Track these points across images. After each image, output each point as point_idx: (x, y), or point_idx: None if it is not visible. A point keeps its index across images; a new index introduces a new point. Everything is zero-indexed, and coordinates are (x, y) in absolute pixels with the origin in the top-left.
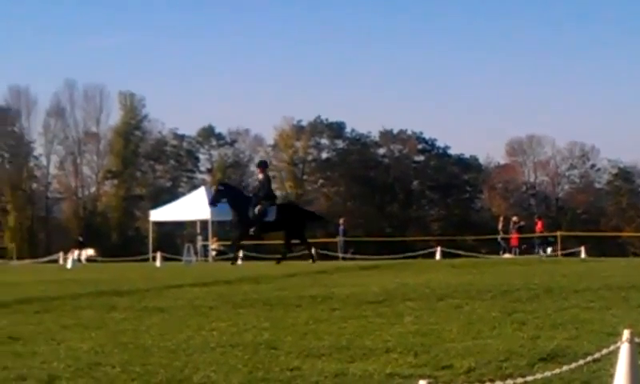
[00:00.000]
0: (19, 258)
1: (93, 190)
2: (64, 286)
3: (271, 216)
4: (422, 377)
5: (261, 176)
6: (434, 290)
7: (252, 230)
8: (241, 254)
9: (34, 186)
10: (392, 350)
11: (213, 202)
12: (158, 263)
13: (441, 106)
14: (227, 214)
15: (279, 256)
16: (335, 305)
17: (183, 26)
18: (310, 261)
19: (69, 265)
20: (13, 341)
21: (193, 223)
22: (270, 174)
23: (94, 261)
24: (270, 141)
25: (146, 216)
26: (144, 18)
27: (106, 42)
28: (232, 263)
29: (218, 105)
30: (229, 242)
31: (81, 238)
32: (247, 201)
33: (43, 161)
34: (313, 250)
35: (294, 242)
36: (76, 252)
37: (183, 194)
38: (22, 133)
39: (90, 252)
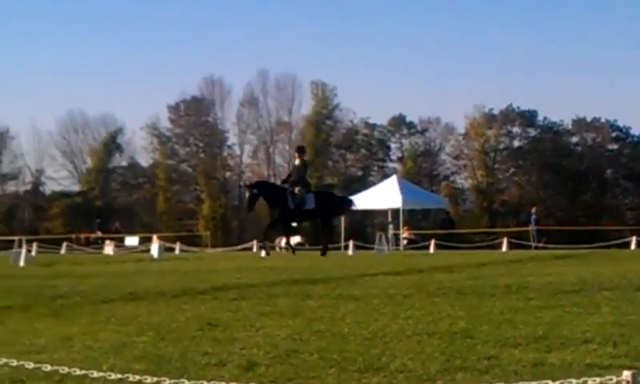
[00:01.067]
0: (213, 245)
1: None
2: (260, 273)
3: (310, 204)
4: (621, 367)
5: (298, 162)
6: (632, 280)
7: (294, 220)
8: (283, 243)
9: (228, 174)
10: (590, 341)
11: (250, 208)
12: (350, 252)
13: (636, 94)
14: (419, 202)
15: (322, 248)
16: (530, 294)
17: (372, 15)
18: (321, 253)
19: (262, 254)
20: (212, 327)
21: (384, 212)
22: (461, 162)
23: (301, 247)
24: (460, 129)
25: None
26: (335, 7)
27: (298, 32)
28: (266, 254)
29: (409, 94)
30: (420, 231)
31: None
32: (284, 192)
33: (236, 150)
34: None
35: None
36: (283, 239)
37: (374, 183)
38: (215, 122)
39: (298, 239)
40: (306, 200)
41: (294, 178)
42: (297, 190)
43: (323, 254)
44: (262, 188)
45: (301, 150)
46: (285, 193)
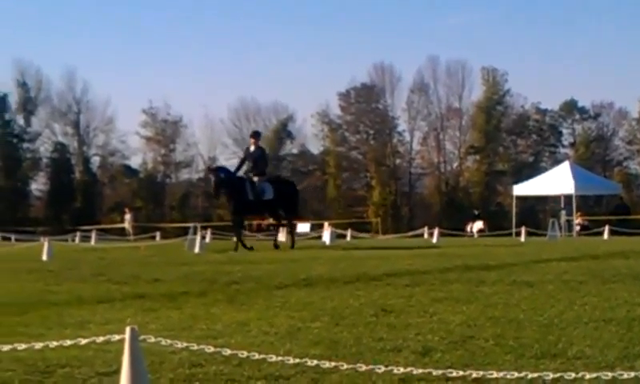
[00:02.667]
0: (384, 232)
1: (455, 165)
2: (431, 260)
3: (269, 194)
4: None
5: (253, 148)
6: None
7: (253, 212)
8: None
9: (398, 161)
10: None
11: (216, 194)
12: (522, 238)
13: None
14: (592, 188)
15: (275, 241)
16: None
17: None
18: (290, 245)
19: (434, 239)
20: (386, 313)
21: (556, 198)
22: (634, 147)
23: (484, 234)
24: (634, 114)
25: (508, 191)
26: None
27: (468, 18)
28: (235, 250)
29: (581, 78)
30: (593, 217)
31: (476, 212)
32: (242, 182)
33: (407, 136)
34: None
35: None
36: (469, 225)
37: (545, 169)
38: (386, 109)
39: (480, 225)
40: (265, 190)
41: (251, 165)
42: (256, 179)
43: (292, 246)
44: (225, 174)
45: (256, 135)
46: (244, 182)
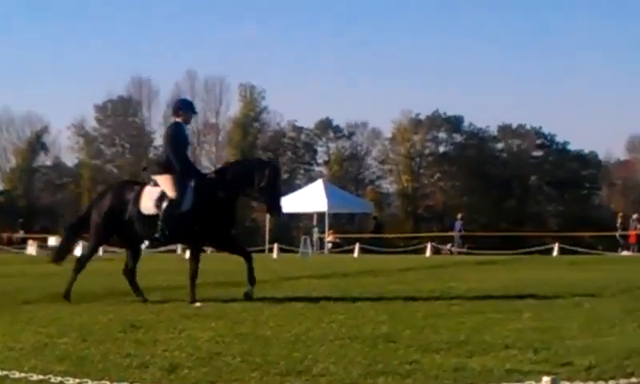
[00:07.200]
0: None
1: None
2: (184, 276)
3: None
4: (541, 373)
5: None
6: (553, 286)
7: None
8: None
9: None
10: (511, 346)
11: None
12: (274, 255)
13: (560, 101)
14: (344, 206)
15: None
16: (453, 299)
17: (300, 21)
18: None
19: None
20: (135, 329)
21: (309, 215)
22: (387, 167)
23: None
24: (387, 134)
25: (263, 207)
26: (267, 11)
27: (227, 35)
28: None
29: (337, 98)
30: (345, 235)
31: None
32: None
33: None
34: None
35: None
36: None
37: (300, 186)
38: (143, 123)
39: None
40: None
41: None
42: None
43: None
44: None
45: None
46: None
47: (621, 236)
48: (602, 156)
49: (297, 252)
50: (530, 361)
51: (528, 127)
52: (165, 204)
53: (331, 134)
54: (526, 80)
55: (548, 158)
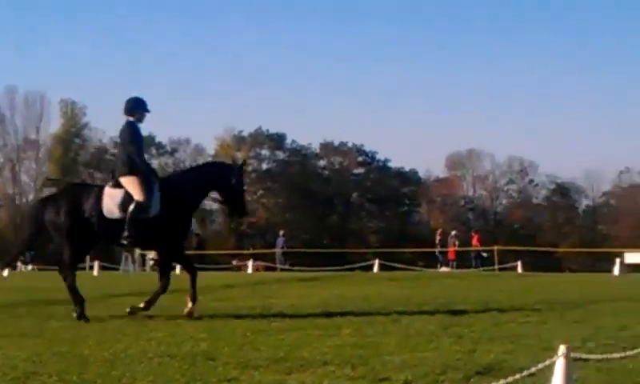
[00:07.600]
0: None
1: (31, 197)
2: (2, 293)
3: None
4: None
5: None
6: (373, 302)
7: None
8: None
9: None
10: (329, 362)
11: None
12: (95, 272)
13: (382, 119)
14: None
15: None
16: (274, 316)
17: (125, 36)
18: None
19: (5, 273)
20: None
21: None
22: None
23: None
24: (210, 151)
25: None
26: (88, 27)
27: (49, 50)
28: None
29: (159, 114)
30: None
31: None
32: None
33: None
34: None
35: None
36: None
37: None
38: None
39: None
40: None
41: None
42: None
43: None
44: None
45: None
46: None
47: (440, 252)
48: (422, 173)
49: (118, 269)
50: (347, 377)
51: (350, 145)
52: (131, 207)
53: (154, 151)
54: (347, 97)
55: (369, 175)
